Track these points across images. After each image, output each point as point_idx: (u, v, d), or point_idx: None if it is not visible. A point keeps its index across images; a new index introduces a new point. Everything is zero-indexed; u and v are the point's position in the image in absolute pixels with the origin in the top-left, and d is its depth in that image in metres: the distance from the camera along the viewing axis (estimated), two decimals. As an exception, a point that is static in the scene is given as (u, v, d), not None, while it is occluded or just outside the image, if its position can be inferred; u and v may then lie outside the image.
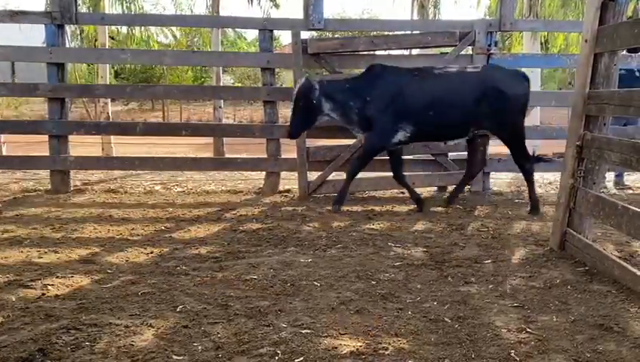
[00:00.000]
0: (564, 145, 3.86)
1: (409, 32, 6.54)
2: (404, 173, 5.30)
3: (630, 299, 2.90)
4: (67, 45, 6.86)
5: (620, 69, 3.96)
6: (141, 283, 3.15)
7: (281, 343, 2.40)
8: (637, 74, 5.96)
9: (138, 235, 4.28)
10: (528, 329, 2.56)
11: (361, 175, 6.12)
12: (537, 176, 7.07)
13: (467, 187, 6.07)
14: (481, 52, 5.82)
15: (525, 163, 5.04)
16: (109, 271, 3.37)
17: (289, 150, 6.25)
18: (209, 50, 15.05)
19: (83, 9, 12.23)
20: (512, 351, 2.34)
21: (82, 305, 2.81)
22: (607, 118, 3.58)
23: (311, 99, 4.79)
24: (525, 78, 5.05)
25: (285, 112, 8.90)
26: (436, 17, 19.03)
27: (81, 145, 8.36)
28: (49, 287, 3.07)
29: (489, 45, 5.87)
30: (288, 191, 6.08)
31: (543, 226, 4.55)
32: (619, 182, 6.51)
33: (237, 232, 4.37)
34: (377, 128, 4.87)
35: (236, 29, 22.04)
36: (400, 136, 4.90)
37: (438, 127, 4.96)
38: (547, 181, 6.84)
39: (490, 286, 3.14)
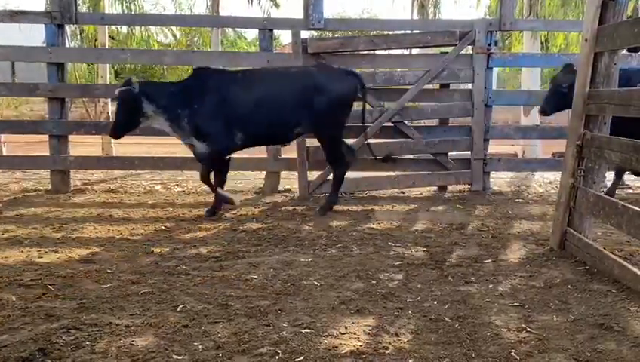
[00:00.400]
0: (564, 144, 3.86)
1: (409, 32, 6.54)
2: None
3: (630, 299, 2.90)
4: (67, 45, 6.87)
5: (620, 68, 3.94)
6: (141, 283, 3.15)
7: (281, 343, 2.40)
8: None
9: (138, 235, 4.28)
10: (528, 329, 2.56)
11: (360, 175, 6.14)
12: (538, 175, 7.10)
13: (468, 186, 6.08)
14: (481, 51, 5.82)
15: (337, 165, 5.01)
16: (109, 271, 3.37)
17: (289, 150, 6.24)
18: (209, 49, 15.07)
19: (83, 9, 12.24)
20: (513, 351, 2.34)
21: (82, 305, 2.81)
22: (607, 117, 3.58)
23: (130, 100, 4.61)
24: (354, 76, 5.01)
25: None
26: (436, 17, 19.06)
27: (81, 145, 8.35)
28: (49, 287, 3.07)
29: (489, 45, 5.87)
30: (288, 190, 6.08)
31: (543, 226, 4.54)
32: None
33: (237, 232, 4.37)
34: (212, 136, 4.70)
35: (236, 29, 22.07)
36: (234, 141, 4.77)
37: (265, 130, 4.84)
38: (547, 180, 6.84)
39: (491, 286, 3.14)
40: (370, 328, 2.56)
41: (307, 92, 4.78)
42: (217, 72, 4.95)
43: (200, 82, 4.79)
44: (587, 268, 3.40)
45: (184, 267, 3.46)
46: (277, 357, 2.27)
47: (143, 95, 4.62)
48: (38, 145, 7.47)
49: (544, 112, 5.51)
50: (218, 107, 4.70)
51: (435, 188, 6.25)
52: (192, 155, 5.07)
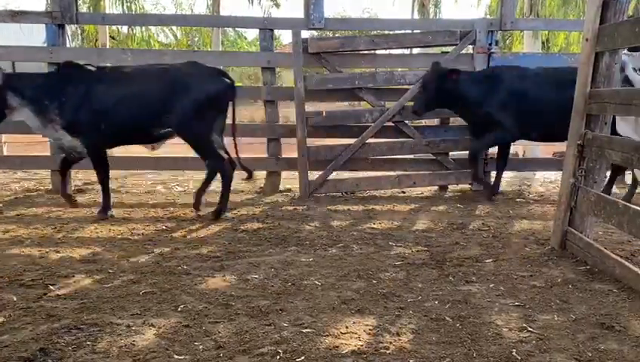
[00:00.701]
0: (564, 144, 3.86)
1: (410, 32, 6.55)
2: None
3: (631, 298, 2.90)
4: (68, 45, 6.87)
5: None
6: (142, 283, 3.15)
7: (282, 342, 2.40)
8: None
9: (139, 235, 4.28)
10: (529, 328, 2.56)
11: (361, 174, 6.15)
12: (539, 175, 7.10)
13: (469, 186, 6.08)
14: (481, 51, 5.83)
15: (213, 162, 4.83)
16: (110, 271, 3.37)
17: (290, 149, 6.25)
18: (209, 49, 15.07)
19: (83, 9, 12.26)
20: (514, 350, 2.34)
21: (84, 305, 2.81)
22: (608, 116, 3.58)
23: None
24: (223, 76, 4.86)
25: (285, 112, 8.92)
26: (437, 16, 19.07)
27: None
28: (50, 287, 3.07)
29: (490, 44, 5.87)
30: (289, 190, 6.08)
31: (544, 225, 4.54)
32: (620, 181, 6.50)
33: (238, 232, 4.37)
34: (83, 131, 4.61)
35: (237, 29, 22.07)
36: (104, 137, 4.68)
37: (129, 128, 4.72)
38: (548, 180, 6.84)
39: (492, 286, 3.14)
40: (371, 328, 2.56)
41: (171, 90, 4.64)
42: (84, 67, 4.78)
43: (68, 76, 4.68)
44: (588, 267, 3.40)
45: (185, 267, 3.46)
46: (278, 357, 2.27)
47: (7, 87, 4.53)
48: (39, 145, 7.48)
49: (415, 112, 5.54)
50: (86, 102, 4.58)
51: (436, 187, 6.25)
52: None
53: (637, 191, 5.83)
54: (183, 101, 4.63)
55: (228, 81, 4.85)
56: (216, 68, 5.01)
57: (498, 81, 5.42)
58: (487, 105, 5.37)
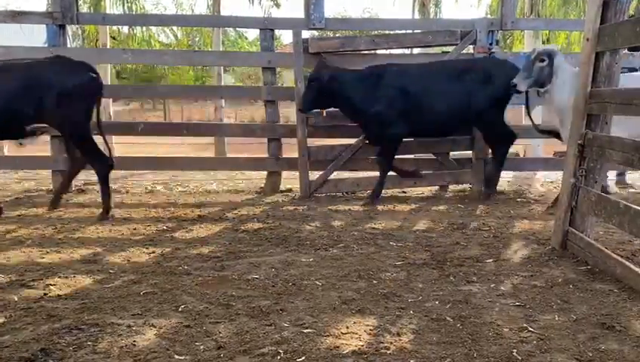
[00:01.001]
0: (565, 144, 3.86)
1: (410, 31, 6.55)
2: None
3: (632, 298, 2.90)
4: (68, 45, 6.88)
5: None
6: (143, 283, 3.15)
7: (282, 342, 2.40)
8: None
9: (140, 235, 4.28)
10: (530, 329, 2.56)
11: (361, 174, 6.15)
12: (539, 175, 7.09)
13: (469, 186, 6.08)
14: (482, 51, 5.83)
15: (95, 164, 4.81)
16: (111, 271, 3.37)
17: (290, 149, 6.25)
18: (210, 49, 15.07)
19: (84, 9, 12.27)
20: (514, 350, 2.34)
21: (84, 305, 2.81)
22: (608, 116, 3.57)
23: None
24: (89, 70, 4.80)
25: (286, 112, 8.93)
26: (437, 16, 19.06)
27: (83, 145, 8.35)
28: (51, 287, 3.07)
29: (490, 44, 5.88)
30: (290, 190, 6.09)
31: (545, 225, 4.54)
32: (621, 181, 6.50)
33: (238, 232, 4.37)
34: None
35: (237, 29, 22.03)
36: None
37: None
38: (549, 180, 6.83)
39: (492, 286, 3.14)
40: (372, 328, 2.56)
41: (34, 86, 4.57)
42: None
43: None
44: (589, 267, 3.40)
45: (186, 267, 3.46)
46: (278, 357, 2.27)
47: None
48: (40, 145, 7.47)
49: (301, 110, 5.53)
50: None
51: (436, 187, 6.25)
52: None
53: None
54: (47, 95, 4.55)
55: (92, 75, 4.79)
56: (82, 62, 4.93)
57: (378, 78, 5.38)
58: (365, 104, 5.33)
